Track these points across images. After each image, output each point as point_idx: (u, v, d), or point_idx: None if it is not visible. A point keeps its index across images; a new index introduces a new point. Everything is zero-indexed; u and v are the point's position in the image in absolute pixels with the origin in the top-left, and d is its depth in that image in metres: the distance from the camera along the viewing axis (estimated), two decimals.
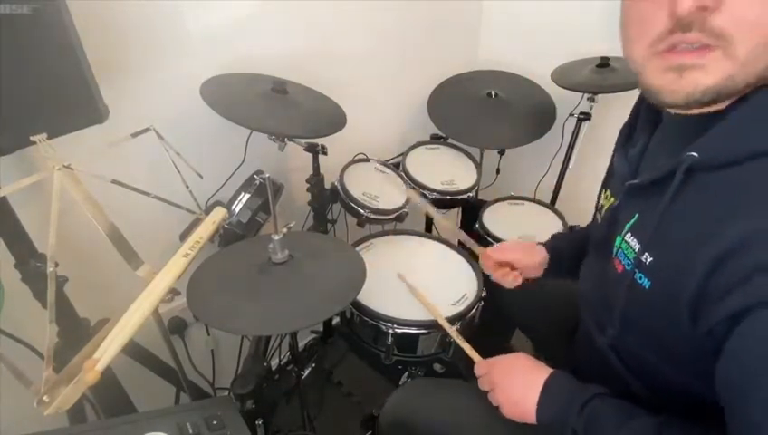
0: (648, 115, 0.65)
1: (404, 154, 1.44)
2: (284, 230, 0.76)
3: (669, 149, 0.56)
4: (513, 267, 0.90)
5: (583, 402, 0.60)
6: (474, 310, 1.01)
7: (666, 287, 0.52)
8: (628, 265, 0.57)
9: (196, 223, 0.93)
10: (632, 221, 0.59)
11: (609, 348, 0.63)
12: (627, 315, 0.58)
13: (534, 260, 0.89)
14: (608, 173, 0.78)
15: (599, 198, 0.76)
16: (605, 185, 0.76)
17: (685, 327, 0.50)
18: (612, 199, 0.69)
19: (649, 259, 0.54)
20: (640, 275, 0.55)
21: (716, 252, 0.45)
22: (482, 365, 0.76)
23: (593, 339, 0.67)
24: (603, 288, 0.64)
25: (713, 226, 0.47)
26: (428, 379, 1.07)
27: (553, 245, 0.92)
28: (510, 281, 0.89)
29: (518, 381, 0.69)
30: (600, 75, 1.31)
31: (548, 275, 0.90)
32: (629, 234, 0.58)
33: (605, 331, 0.62)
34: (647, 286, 0.54)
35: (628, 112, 0.71)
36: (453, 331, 0.89)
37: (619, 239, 0.60)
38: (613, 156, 0.72)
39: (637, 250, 0.56)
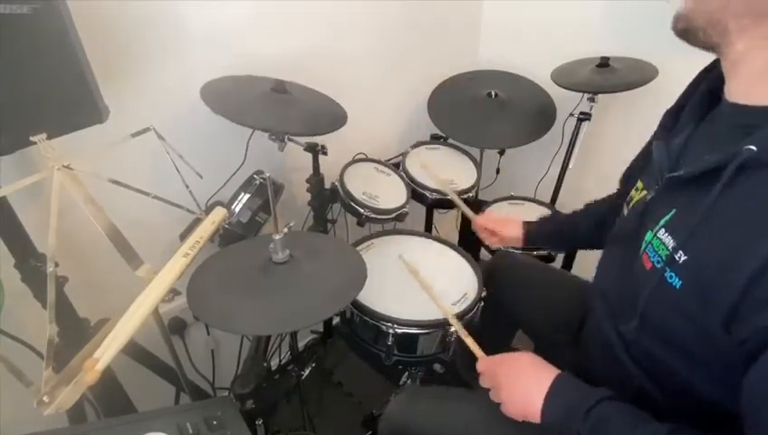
0: (699, 103, 0.62)
1: (404, 154, 1.44)
2: (285, 230, 0.76)
3: (720, 142, 0.53)
4: (494, 233, 1.10)
5: (590, 406, 0.58)
6: (474, 309, 1.01)
7: (699, 289, 0.50)
8: (658, 262, 0.55)
9: (196, 223, 0.93)
10: (667, 217, 0.56)
11: (621, 343, 0.62)
12: (648, 313, 0.57)
13: (510, 235, 1.08)
14: (637, 161, 0.75)
15: (625, 181, 0.73)
16: (636, 175, 0.72)
17: (712, 331, 0.48)
18: (645, 192, 0.65)
19: (684, 258, 0.51)
20: (671, 274, 0.53)
21: (763, 257, 0.43)
22: (485, 362, 0.75)
23: (605, 335, 0.66)
24: (626, 283, 0.62)
25: (762, 227, 0.45)
26: (428, 387, 1.07)
27: (529, 230, 1.07)
28: (491, 242, 1.13)
29: (524, 382, 0.67)
30: (600, 75, 1.31)
31: (526, 247, 1.12)
32: (663, 230, 0.55)
33: (623, 325, 0.61)
34: (677, 286, 0.52)
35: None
36: (458, 324, 0.88)
37: (649, 235, 0.57)
38: (648, 144, 0.69)
39: (670, 248, 0.53)
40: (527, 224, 1.07)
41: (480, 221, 1.13)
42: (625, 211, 0.71)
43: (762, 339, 0.44)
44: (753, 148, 0.47)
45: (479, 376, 0.74)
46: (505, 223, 1.10)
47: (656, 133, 0.68)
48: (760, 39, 0.49)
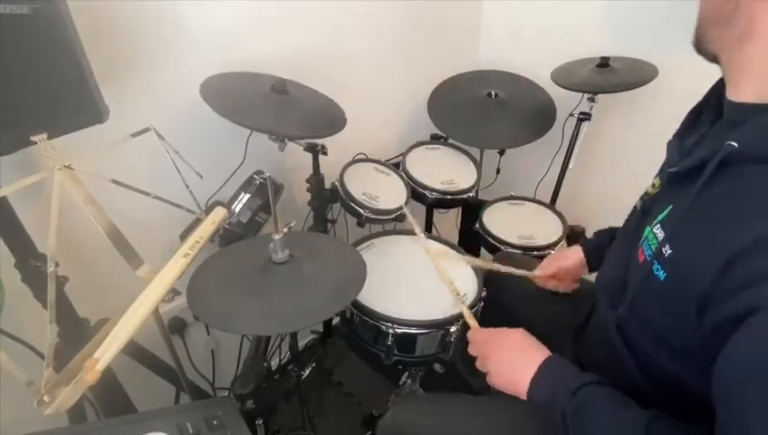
0: (717, 104, 0.62)
1: (404, 154, 1.44)
2: (285, 230, 0.76)
3: (717, 139, 0.55)
4: (559, 276, 0.96)
5: (577, 386, 0.60)
6: (474, 309, 1.01)
7: (679, 281, 0.51)
8: (649, 256, 0.57)
9: (196, 223, 0.93)
10: (664, 213, 0.57)
11: (620, 337, 0.63)
12: (635, 304, 0.58)
13: (569, 263, 0.95)
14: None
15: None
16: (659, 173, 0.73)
17: (690, 324, 0.49)
18: (658, 189, 0.67)
19: (669, 251, 0.53)
20: (658, 266, 0.54)
21: (732, 250, 0.44)
22: (478, 332, 0.76)
23: (606, 330, 0.66)
24: (623, 274, 0.63)
25: (735, 222, 0.46)
26: (427, 394, 1.06)
27: (589, 242, 0.96)
28: (566, 286, 0.97)
29: (514, 356, 0.69)
30: (600, 75, 1.31)
31: (593, 269, 0.94)
32: (658, 225, 0.57)
33: (615, 310, 0.62)
34: (661, 279, 0.53)
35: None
36: (458, 299, 0.88)
37: (647, 230, 0.59)
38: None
39: (659, 241, 0.55)
40: (584, 243, 0.96)
41: (540, 273, 0.98)
42: (638, 206, 0.72)
43: (727, 331, 0.44)
44: (734, 144, 0.48)
45: (468, 345, 0.75)
46: (562, 256, 0.97)
47: (676, 132, 0.69)
48: (733, 42, 0.52)
